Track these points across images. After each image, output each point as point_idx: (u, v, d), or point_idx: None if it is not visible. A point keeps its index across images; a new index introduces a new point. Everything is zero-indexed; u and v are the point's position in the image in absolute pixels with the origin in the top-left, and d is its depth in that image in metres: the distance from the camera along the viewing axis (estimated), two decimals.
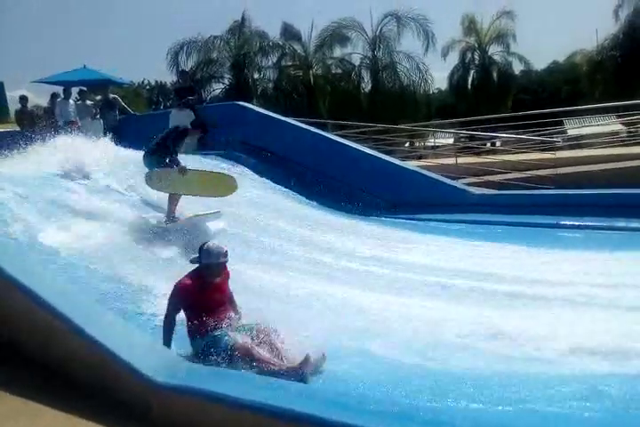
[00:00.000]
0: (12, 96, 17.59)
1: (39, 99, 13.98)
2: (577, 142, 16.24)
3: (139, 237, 5.53)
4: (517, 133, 14.10)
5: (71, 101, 11.23)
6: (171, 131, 6.18)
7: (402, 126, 15.55)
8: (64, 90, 11.64)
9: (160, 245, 5.49)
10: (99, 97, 12.20)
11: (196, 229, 5.73)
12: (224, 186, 6.13)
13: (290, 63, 24.85)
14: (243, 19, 24.18)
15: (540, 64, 34.54)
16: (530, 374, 3.28)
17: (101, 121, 11.50)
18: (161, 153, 5.92)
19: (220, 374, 3.13)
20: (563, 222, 7.02)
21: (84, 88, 12.71)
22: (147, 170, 6.03)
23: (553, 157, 10.66)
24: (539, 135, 13.15)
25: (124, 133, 11.18)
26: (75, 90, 12.16)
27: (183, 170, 5.87)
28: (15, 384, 3.32)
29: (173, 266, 4.87)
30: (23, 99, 11.55)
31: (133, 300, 4.39)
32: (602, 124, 19.12)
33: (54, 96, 11.38)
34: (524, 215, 7.44)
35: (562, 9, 56.06)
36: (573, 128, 19.67)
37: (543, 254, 5.92)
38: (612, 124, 18.77)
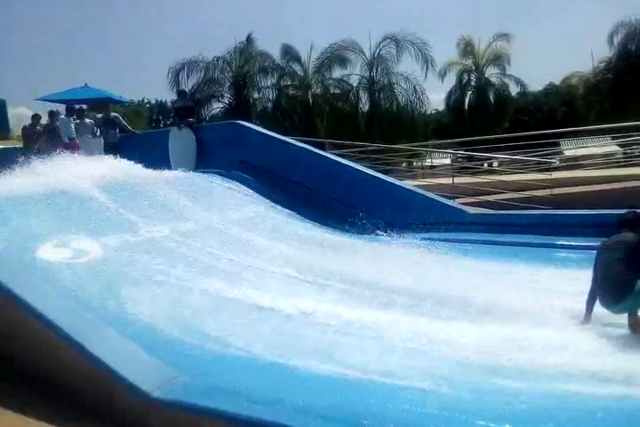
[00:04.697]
0: (14, 113, 17.79)
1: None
2: (573, 163, 16.41)
3: None
4: (514, 154, 14.23)
5: (72, 119, 11.35)
6: None
7: (400, 146, 15.68)
8: (66, 108, 11.78)
9: None
10: (100, 115, 12.32)
11: None
12: None
13: (289, 83, 25.19)
14: (248, 40, 24.64)
15: (536, 86, 35.05)
16: None
17: (101, 139, 11.61)
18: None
19: (217, 388, 3.15)
20: (557, 242, 7.09)
21: (84, 106, 12.85)
22: None
23: (549, 177, 10.75)
24: (535, 156, 13.29)
25: (124, 151, 11.29)
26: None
27: None
28: (13, 399, 3.35)
29: None
30: (35, 117, 11.66)
31: None
32: (598, 146, 19.35)
33: (52, 114, 11.45)
34: (518, 235, 7.51)
35: (558, 32, 57.11)
36: (569, 149, 19.89)
37: (536, 273, 5.96)
38: (608, 146, 19.01)
